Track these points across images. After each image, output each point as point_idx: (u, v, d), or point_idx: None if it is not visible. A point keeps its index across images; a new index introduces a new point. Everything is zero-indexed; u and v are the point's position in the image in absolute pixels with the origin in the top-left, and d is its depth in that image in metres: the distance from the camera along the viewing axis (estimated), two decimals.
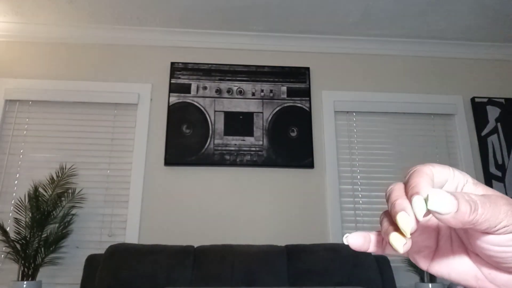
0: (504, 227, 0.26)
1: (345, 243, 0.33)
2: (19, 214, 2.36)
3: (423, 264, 0.34)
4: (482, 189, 0.30)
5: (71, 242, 2.42)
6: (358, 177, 2.71)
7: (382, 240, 0.33)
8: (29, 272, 2.14)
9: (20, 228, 2.21)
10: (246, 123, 2.69)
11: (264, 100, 2.75)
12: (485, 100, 2.92)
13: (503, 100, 2.93)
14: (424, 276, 2.33)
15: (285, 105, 2.76)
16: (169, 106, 2.68)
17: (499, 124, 2.87)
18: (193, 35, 2.88)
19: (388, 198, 0.30)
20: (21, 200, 2.38)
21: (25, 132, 2.61)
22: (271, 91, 2.78)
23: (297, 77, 2.83)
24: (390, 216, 0.30)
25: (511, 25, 2.80)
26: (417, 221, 0.27)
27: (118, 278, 1.99)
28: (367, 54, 2.99)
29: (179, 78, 2.75)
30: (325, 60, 2.95)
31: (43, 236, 2.22)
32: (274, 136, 2.68)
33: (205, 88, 2.74)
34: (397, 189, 0.30)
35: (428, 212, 0.27)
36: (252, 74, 2.81)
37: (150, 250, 2.12)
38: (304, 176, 2.66)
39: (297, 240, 2.52)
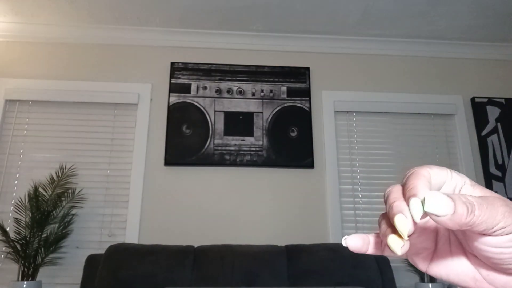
0: (502, 228, 0.26)
1: (344, 245, 0.33)
2: (19, 214, 2.36)
3: (421, 266, 0.34)
4: (479, 190, 0.30)
5: (71, 242, 2.42)
6: (358, 177, 2.71)
7: (381, 242, 0.33)
8: (29, 272, 2.14)
9: (20, 228, 2.21)
10: (246, 123, 2.69)
11: (264, 100, 2.75)
12: (485, 100, 2.92)
13: (503, 100, 2.93)
14: (424, 276, 2.33)
15: (285, 105, 2.76)
16: (169, 106, 2.68)
17: (499, 124, 2.87)
18: (193, 35, 2.88)
19: (386, 200, 0.30)
20: (21, 200, 2.38)
21: (25, 132, 2.61)
22: (271, 91, 2.78)
23: (297, 77, 2.83)
24: (388, 218, 0.30)
25: (511, 25, 2.80)
26: (415, 223, 0.27)
27: (118, 278, 2.00)
28: (367, 54, 2.99)
29: (179, 78, 2.75)
30: (325, 60, 2.95)
31: (43, 236, 2.22)
32: (274, 136, 2.68)
33: (205, 88, 2.74)
34: (395, 191, 0.30)
35: (426, 214, 0.27)
36: (252, 74, 2.81)
37: (150, 250, 2.12)
38: (304, 176, 2.66)
39: (297, 240, 2.52)
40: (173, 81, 2.74)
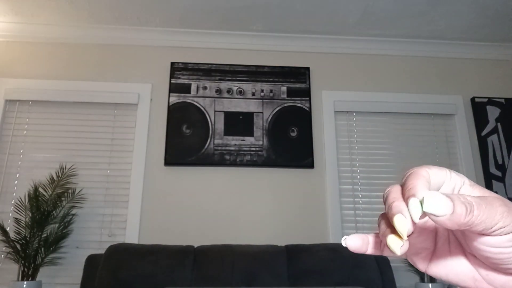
0: (500, 228, 0.26)
1: (344, 245, 0.33)
2: (19, 214, 2.36)
3: (421, 266, 0.34)
4: (478, 190, 0.30)
5: (71, 242, 2.42)
6: (358, 177, 2.71)
7: (380, 242, 0.33)
8: (29, 272, 2.14)
9: (20, 228, 2.21)
10: (246, 123, 2.69)
11: (264, 100, 2.75)
12: (485, 100, 2.92)
13: (503, 100, 2.92)
14: (424, 276, 2.33)
15: (285, 105, 2.76)
16: (169, 106, 2.68)
17: (499, 124, 2.86)
18: (193, 35, 2.88)
19: (385, 200, 0.30)
20: (21, 200, 2.38)
21: (25, 132, 2.61)
22: (271, 91, 2.78)
23: (297, 77, 2.83)
24: (387, 218, 0.30)
25: (511, 25, 2.80)
26: (414, 223, 0.27)
27: (118, 278, 2.00)
28: (367, 54, 2.99)
29: (179, 78, 2.75)
30: (325, 60, 2.95)
31: (43, 236, 2.22)
32: (274, 136, 2.68)
33: (205, 88, 2.74)
34: (394, 191, 0.30)
35: (424, 214, 0.27)
36: (252, 74, 2.81)
37: (150, 250, 2.12)
38: (304, 176, 2.66)
39: (297, 240, 2.52)
40: (173, 81, 2.74)
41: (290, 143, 2.67)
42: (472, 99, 2.93)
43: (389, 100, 2.87)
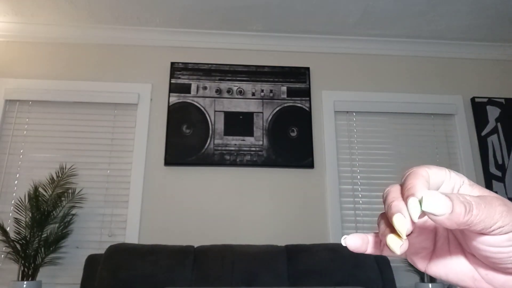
0: (499, 227, 0.26)
1: (343, 244, 0.34)
2: (19, 214, 2.36)
3: (420, 265, 0.34)
4: (478, 190, 0.30)
5: (71, 242, 2.42)
6: (358, 177, 2.71)
7: (380, 241, 0.33)
8: (29, 272, 2.14)
9: (20, 228, 2.21)
10: (246, 123, 2.69)
11: (264, 100, 2.75)
12: (485, 100, 2.92)
13: (503, 100, 2.92)
14: (424, 276, 2.33)
15: (285, 105, 2.76)
16: (169, 106, 2.68)
17: (499, 124, 2.86)
18: (193, 35, 2.88)
19: (385, 200, 0.30)
20: (21, 200, 2.38)
21: (25, 132, 2.61)
22: (271, 91, 2.78)
23: (297, 77, 2.83)
24: (387, 218, 0.30)
25: (511, 25, 2.80)
26: (413, 222, 0.27)
27: (118, 278, 2.00)
28: (367, 54, 2.99)
29: (179, 78, 2.75)
30: (325, 60, 2.95)
31: (43, 236, 2.22)
32: (274, 136, 2.68)
33: (205, 88, 2.74)
34: (394, 191, 0.30)
35: (424, 213, 0.27)
36: (252, 74, 2.81)
37: (150, 250, 2.12)
38: (304, 176, 2.66)
39: (297, 240, 2.52)
40: (173, 81, 2.74)
41: (290, 143, 2.67)
42: (472, 99, 2.93)
43: (389, 100, 2.87)
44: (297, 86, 2.81)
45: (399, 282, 2.49)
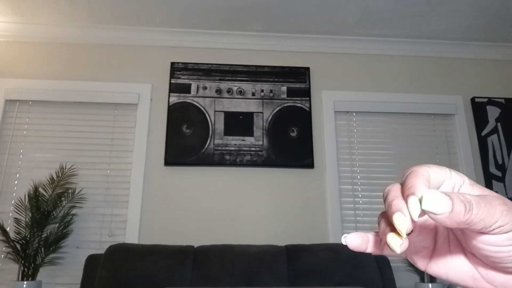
0: (499, 227, 0.26)
1: (344, 243, 0.34)
2: (19, 214, 2.36)
3: (421, 265, 0.34)
4: (478, 189, 0.30)
5: (71, 242, 2.42)
6: (358, 177, 2.71)
7: (380, 240, 0.34)
8: (29, 272, 2.14)
9: (20, 228, 2.21)
10: (246, 123, 2.69)
11: (264, 100, 2.75)
12: (485, 100, 2.92)
13: (503, 100, 2.92)
14: (424, 276, 2.33)
15: (285, 105, 2.76)
16: (169, 106, 2.68)
17: (499, 124, 2.86)
18: (193, 35, 2.88)
19: (385, 199, 0.30)
20: (21, 200, 2.38)
21: (25, 132, 2.61)
22: (271, 91, 2.78)
23: (297, 77, 2.83)
24: (387, 217, 0.30)
25: (511, 25, 2.80)
26: (413, 221, 0.27)
27: (118, 278, 2.00)
28: (367, 54, 2.99)
29: (179, 78, 2.75)
30: (325, 60, 2.95)
31: (43, 236, 2.22)
32: (274, 136, 2.68)
33: (205, 88, 2.74)
34: (394, 190, 0.30)
35: (424, 212, 0.27)
36: (252, 74, 2.81)
37: (150, 250, 2.12)
38: (304, 176, 2.66)
39: (297, 240, 2.52)
40: (173, 81, 2.74)
41: (290, 143, 2.67)
42: (472, 99, 2.93)
43: (389, 100, 2.87)
44: (297, 86, 2.81)
45: (399, 282, 2.49)
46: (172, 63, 2.78)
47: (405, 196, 0.28)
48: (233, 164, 2.61)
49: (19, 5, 2.58)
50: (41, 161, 2.56)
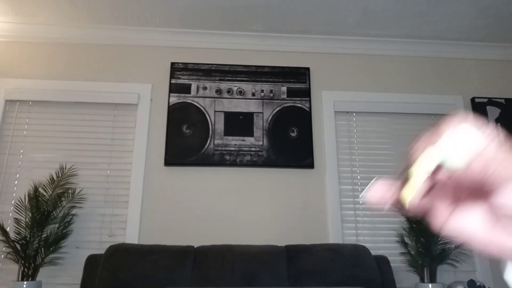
0: None
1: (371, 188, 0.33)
2: (19, 214, 2.36)
3: (439, 220, 0.34)
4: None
5: (71, 242, 2.42)
6: (358, 177, 2.71)
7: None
8: (29, 272, 2.14)
9: (20, 228, 2.21)
10: (246, 123, 2.69)
11: (264, 100, 2.75)
12: (485, 100, 2.92)
13: (503, 100, 2.93)
14: (424, 276, 2.33)
15: (285, 105, 2.76)
16: (169, 106, 2.68)
17: (499, 124, 2.86)
18: (193, 35, 2.88)
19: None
20: (21, 200, 2.38)
21: (25, 132, 2.61)
22: (271, 91, 2.78)
23: (297, 77, 2.83)
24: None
25: (511, 25, 2.80)
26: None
27: (118, 278, 2.00)
28: (367, 54, 2.99)
29: (179, 78, 2.75)
30: (325, 60, 2.95)
31: (43, 236, 2.22)
32: (274, 136, 2.68)
33: (205, 88, 2.74)
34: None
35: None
36: (252, 74, 2.81)
37: (150, 250, 2.12)
38: (304, 176, 2.66)
39: (297, 240, 2.52)
40: (173, 81, 2.74)
41: (290, 143, 2.67)
42: (472, 99, 2.93)
43: (389, 100, 2.87)
44: (297, 86, 2.81)
45: (399, 282, 2.49)
46: (172, 63, 2.78)
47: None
48: (233, 164, 2.61)
49: (19, 5, 2.58)
50: (41, 161, 2.56)
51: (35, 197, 2.23)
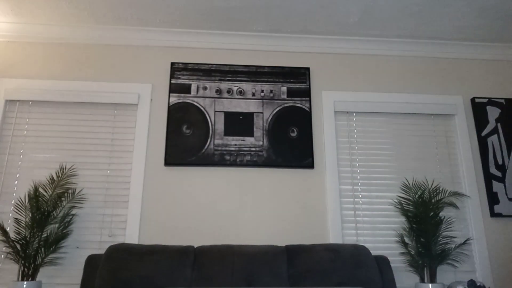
0: None
1: None
2: (19, 214, 2.36)
3: None
4: None
5: (71, 242, 2.42)
6: (358, 177, 2.71)
7: None
8: (29, 272, 2.14)
9: (20, 228, 2.21)
10: (246, 123, 2.69)
11: (264, 100, 2.76)
12: (485, 100, 2.92)
13: (503, 100, 2.93)
14: (424, 276, 2.33)
15: (285, 105, 2.76)
16: (169, 106, 2.68)
17: (499, 124, 2.87)
18: (193, 35, 2.88)
19: None
20: (21, 200, 2.38)
21: (25, 132, 2.61)
22: (271, 91, 2.78)
23: (297, 77, 2.83)
24: None
25: (511, 25, 2.80)
26: None
27: (118, 278, 2.00)
28: (367, 54, 3.00)
29: (179, 78, 2.75)
30: (325, 60, 2.96)
31: (43, 236, 2.22)
32: (274, 136, 2.68)
33: (205, 88, 2.74)
34: None
35: None
36: (252, 74, 2.81)
37: (150, 250, 2.12)
38: (304, 176, 2.66)
39: (297, 240, 2.52)
40: (173, 81, 2.74)
41: (290, 143, 2.68)
42: (472, 100, 2.93)
43: (389, 100, 2.87)
44: (297, 86, 2.81)
45: (399, 282, 2.50)
46: (172, 63, 2.78)
47: None
48: (233, 164, 2.61)
49: (19, 5, 2.58)
50: (41, 161, 2.56)
51: (35, 197, 2.23)
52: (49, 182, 2.36)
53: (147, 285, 1.98)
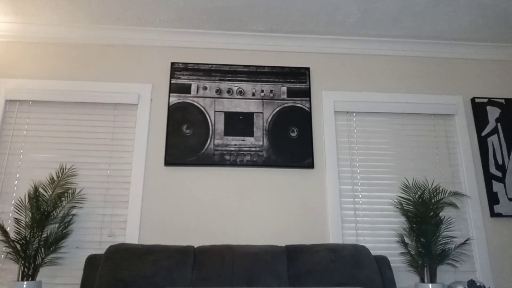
0: None
1: None
2: (19, 214, 2.36)
3: None
4: None
5: (71, 242, 2.42)
6: (358, 177, 2.71)
7: None
8: (29, 272, 2.14)
9: (20, 228, 2.21)
10: (246, 123, 2.69)
11: (264, 100, 2.76)
12: (485, 100, 2.92)
13: (503, 100, 2.93)
14: (424, 276, 2.33)
15: (285, 105, 2.76)
16: (169, 106, 2.68)
17: (499, 124, 2.87)
18: (193, 35, 2.88)
19: None
20: (21, 200, 2.38)
21: (25, 132, 2.61)
22: (271, 91, 2.78)
23: (297, 77, 2.83)
24: None
25: (511, 25, 2.80)
26: None
27: (118, 278, 2.00)
28: (367, 54, 3.00)
29: (179, 78, 2.75)
30: (325, 60, 2.96)
31: (43, 236, 2.22)
32: (274, 136, 2.68)
33: (205, 88, 2.75)
34: None
35: None
36: (252, 74, 2.81)
37: (150, 250, 2.12)
38: (304, 176, 2.66)
39: (297, 240, 2.52)
40: (173, 81, 2.74)
41: (290, 143, 2.68)
42: (472, 99, 2.93)
43: (389, 100, 2.87)
44: (297, 86, 2.81)
45: (399, 282, 2.50)
46: (172, 63, 2.78)
47: None
48: (233, 164, 2.61)
49: (19, 5, 2.58)
50: (41, 161, 2.56)
51: (35, 197, 2.23)
52: (49, 182, 2.36)
53: (147, 285, 1.98)
